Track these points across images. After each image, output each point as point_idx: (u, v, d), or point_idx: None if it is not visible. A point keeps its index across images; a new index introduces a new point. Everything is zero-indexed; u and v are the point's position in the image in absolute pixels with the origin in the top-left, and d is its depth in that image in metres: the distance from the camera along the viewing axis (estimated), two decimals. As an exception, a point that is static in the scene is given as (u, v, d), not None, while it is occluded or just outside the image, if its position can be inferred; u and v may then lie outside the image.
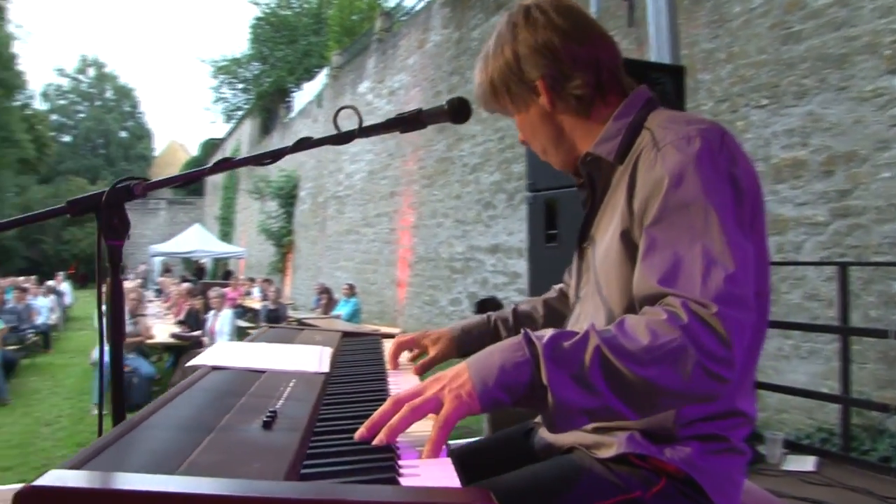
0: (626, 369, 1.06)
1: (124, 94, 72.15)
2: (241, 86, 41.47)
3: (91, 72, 70.49)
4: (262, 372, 1.46)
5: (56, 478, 0.75)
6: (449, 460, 0.98)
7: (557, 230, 4.17)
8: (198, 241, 28.74)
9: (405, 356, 1.83)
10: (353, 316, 14.45)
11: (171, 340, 10.19)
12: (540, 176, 4.30)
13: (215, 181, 45.59)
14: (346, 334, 2.29)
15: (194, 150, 58.31)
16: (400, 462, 0.97)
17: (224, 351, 1.70)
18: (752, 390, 1.41)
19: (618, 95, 1.48)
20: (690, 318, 1.08)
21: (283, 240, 27.43)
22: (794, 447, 4.54)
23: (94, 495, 0.71)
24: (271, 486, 0.75)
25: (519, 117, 1.55)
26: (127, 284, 14.62)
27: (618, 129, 1.41)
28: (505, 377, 1.09)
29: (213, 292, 10.76)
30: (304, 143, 1.47)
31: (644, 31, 5.53)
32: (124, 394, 1.32)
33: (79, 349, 13.77)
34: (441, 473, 0.90)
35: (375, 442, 1.05)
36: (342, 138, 1.51)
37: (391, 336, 2.17)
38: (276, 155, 1.42)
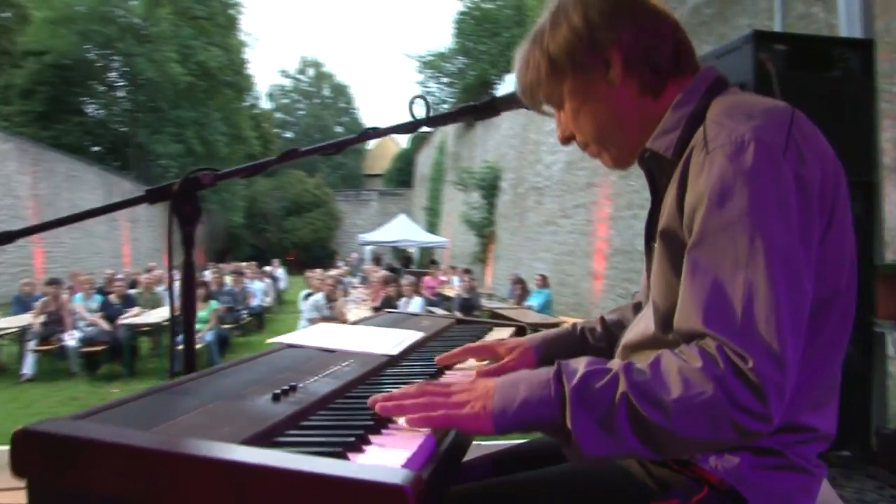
0: (653, 419, 1.02)
1: (340, 91, 76.38)
2: (445, 80, 42.51)
3: (310, 72, 75.25)
4: (330, 351, 1.55)
5: (45, 424, 0.87)
6: (421, 448, 0.99)
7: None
8: (404, 230, 29.96)
9: (472, 363, 1.68)
10: (545, 307, 14.50)
11: (362, 324, 10.71)
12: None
13: (423, 173, 47.10)
14: (460, 321, 2.35)
15: (404, 143, 60.62)
16: (368, 441, 1.01)
17: (316, 331, 1.81)
18: (828, 402, 1.26)
19: (692, 76, 1.31)
20: (727, 369, 1.01)
21: (484, 230, 27.89)
22: None
23: (55, 438, 0.83)
24: (201, 445, 0.82)
25: (574, 102, 1.36)
26: (331, 272, 15.56)
27: (677, 121, 1.26)
28: (526, 412, 1.08)
29: (406, 280, 11.20)
30: (370, 134, 1.54)
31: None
32: (194, 360, 1.45)
33: (289, 330, 14.68)
34: (392, 459, 0.92)
35: (379, 410, 1.09)
36: (410, 127, 1.56)
37: (505, 325, 2.19)
38: (339, 146, 1.50)
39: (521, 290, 15.49)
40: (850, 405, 4.07)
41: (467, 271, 18.99)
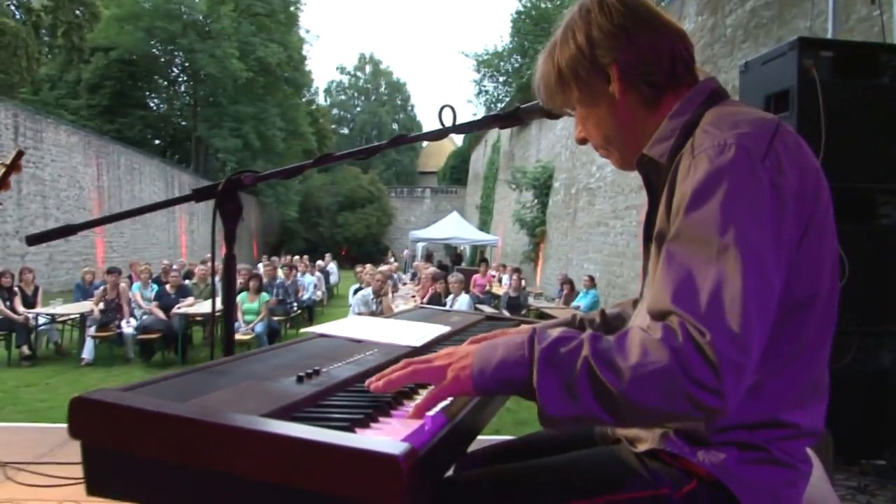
0: (610, 383, 1.08)
1: (397, 88, 77.00)
2: (502, 78, 42.49)
3: (368, 69, 76.06)
4: (357, 341, 1.67)
5: (97, 393, 1.00)
6: (424, 429, 1.10)
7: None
8: (455, 228, 30.11)
9: None
10: (593, 307, 14.50)
11: (411, 320, 10.85)
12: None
13: (476, 171, 47.20)
14: (488, 318, 2.45)
15: (459, 141, 60.78)
16: (376, 420, 1.12)
17: (348, 322, 1.94)
18: (813, 401, 1.34)
19: (690, 88, 1.40)
20: (685, 341, 1.07)
21: (535, 229, 27.88)
22: None
23: (106, 405, 0.96)
24: (226, 415, 0.95)
25: (582, 110, 1.48)
26: (382, 268, 15.76)
27: (672, 129, 1.36)
28: (501, 372, 1.17)
29: (453, 277, 11.30)
30: (399, 140, 1.65)
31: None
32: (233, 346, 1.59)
33: (339, 323, 15.02)
34: (394, 435, 1.03)
35: (372, 388, 1.20)
36: (439, 135, 1.66)
37: (535, 321, 2.29)
38: (369, 151, 1.62)
39: (568, 291, 15.51)
40: (888, 414, 4.08)
41: (517, 270, 19.03)
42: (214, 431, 0.93)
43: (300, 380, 1.25)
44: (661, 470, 1.32)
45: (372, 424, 1.09)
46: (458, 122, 1.67)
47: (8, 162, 2.09)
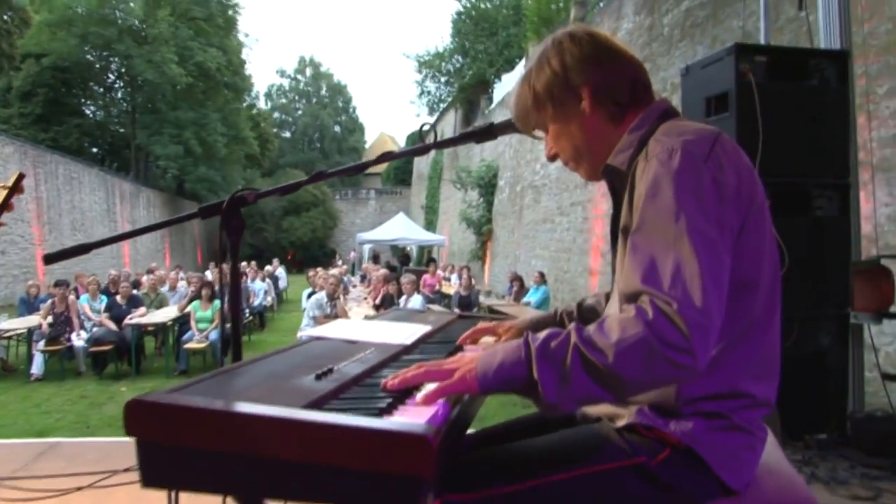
0: (599, 361, 1.27)
1: (338, 90, 76.70)
2: (443, 79, 42.73)
3: (308, 71, 75.62)
4: (352, 342, 1.82)
5: (150, 395, 1.14)
6: (438, 414, 1.25)
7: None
8: (402, 229, 30.20)
9: (488, 339, 2.02)
10: (543, 303, 14.75)
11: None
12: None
13: (421, 171, 47.33)
14: (461, 316, 2.62)
15: (402, 142, 60.84)
16: (396, 408, 1.28)
17: (336, 326, 2.08)
18: (767, 375, 1.54)
19: (647, 107, 1.64)
20: (655, 314, 1.26)
21: (482, 228, 28.17)
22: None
23: (161, 406, 1.09)
24: (272, 409, 1.10)
25: (555, 127, 1.69)
26: (333, 271, 15.79)
27: (631, 142, 1.59)
28: (502, 373, 1.34)
29: (405, 278, 11.46)
30: (387, 156, 1.80)
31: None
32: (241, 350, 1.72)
33: (290, 328, 15.05)
34: (417, 419, 1.18)
35: (388, 386, 1.37)
36: (421, 151, 1.82)
37: (502, 316, 2.46)
38: (359, 168, 1.77)
39: (518, 287, 15.75)
40: (828, 392, 4.35)
41: (465, 269, 19.22)
42: (264, 423, 1.08)
43: (318, 377, 1.40)
44: (637, 441, 1.51)
45: (393, 412, 1.24)
46: (437, 140, 1.83)
47: (10, 184, 2.18)
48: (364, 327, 2.10)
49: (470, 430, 1.82)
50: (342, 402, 1.29)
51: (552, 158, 1.77)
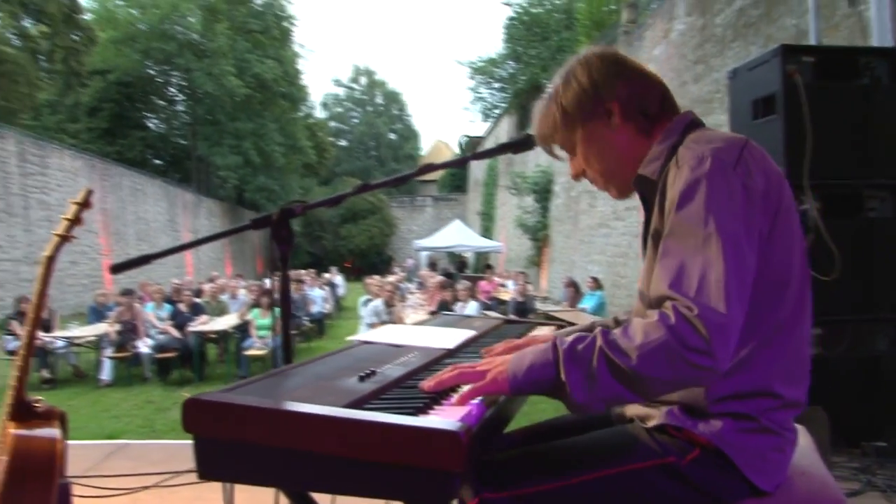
0: (623, 363, 1.33)
1: (393, 98, 77.24)
2: (497, 85, 42.74)
3: (363, 80, 76.32)
4: (397, 346, 1.91)
5: (206, 395, 1.24)
6: (471, 414, 1.33)
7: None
8: (458, 236, 30.33)
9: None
10: (599, 309, 14.69)
11: (421, 328, 11.07)
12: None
13: (476, 178, 47.43)
14: (508, 321, 2.69)
15: (457, 149, 60.98)
16: (432, 408, 1.36)
17: (383, 331, 2.18)
18: (796, 376, 1.58)
19: (674, 118, 1.70)
20: (677, 318, 1.32)
21: (538, 234, 28.09)
22: None
23: (217, 404, 1.20)
24: (315, 407, 1.19)
25: (584, 144, 1.73)
26: (389, 278, 15.97)
27: (661, 152, 1.64)
28: (532, 374, 1.42)
29: (461, 285, 11.57)
30: (427, 168, 1.88)
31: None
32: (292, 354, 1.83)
33: (348, 335, 15.17)
34: (451, 417, 1.26)
35: (425, 387, 1.45)
36: (458, 163, 1.91)
37: (549, 324, 2.52)
38: (402, 179, 1.85)
39: (574, 293, 15.71)
40: (882, 398, 4.29)
41: (522, 275, 19.22)
42: (308, 420, 1.17)
43: (362, 379, 1.49)
44: (668, 442, 1.56)
45: (429, 412, 1.32)
46: (476, 151, 1.91)
47: (79, 200, 2.33)
48: (410, 332, 2.18)
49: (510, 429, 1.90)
50: (382, 402, 1.37)
51: (577, 177, 1.84)
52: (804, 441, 1.88)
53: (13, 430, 2.11)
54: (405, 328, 2.32)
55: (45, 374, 10.85)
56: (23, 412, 2.16)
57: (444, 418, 1.23)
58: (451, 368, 1.50)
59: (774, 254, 1.51)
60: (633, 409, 1.71)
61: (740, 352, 1.49)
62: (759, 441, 1.52)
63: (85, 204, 2.34)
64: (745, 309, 1.39)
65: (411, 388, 1.49)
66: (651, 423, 1.61)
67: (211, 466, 1.25)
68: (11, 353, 10.87)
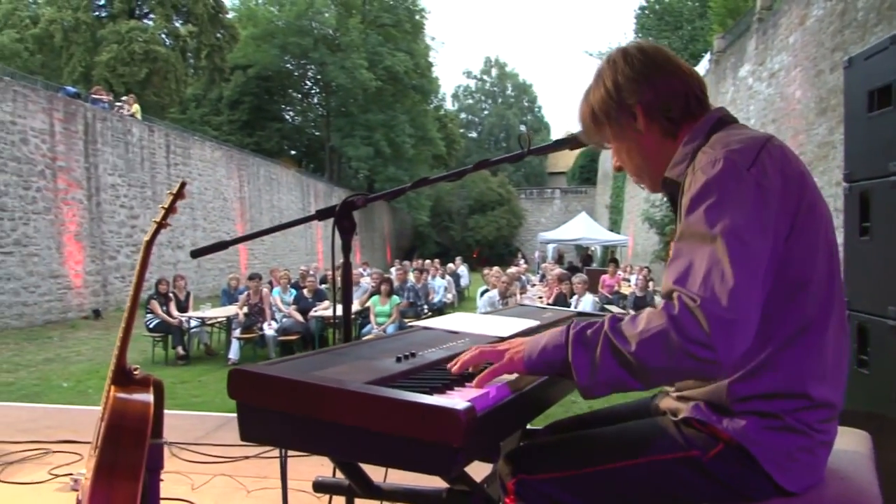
0: (624, 349, 1.37)
1: (523, 90, 77.28)
2: (628, 76, 41.90)
3: (494, 72, 76.73)
4: (453, 332, 2.01)
5: (247, 366, 1.39)
6: (489, 395, 1.41)
7: (870, 223, 4.06)
8: (584, 229, 30.07)
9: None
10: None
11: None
12: (857, 166, 4.22)
13: (606, 170, 46.75)
14: (579, 314, 2.74)
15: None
16: (452, 389, 1.46)
17: (451, 318, 2.28)
18: (827, 377, 1.55)
19: (701, 118, 1.69)
20: (680, 308, 1.34)
21: (665, 228, 27.48)
22: None
23: (254, 375, 1.34)
24: (337, 381, 1.31)
25: (616, 144, 1.77)
26: (511, 270, 16.04)
27: (685, 154, 1.64)
28: (545, 355, 1.49)
29: (577, 278, 11.47)
30: (483, 164, 1.97)
31: None
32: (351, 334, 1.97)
33: (466, 324, 15.42)
34: (462, 397, 1.35)
35: (452, 369, 1.55)
36: (515, 158, 1.98)
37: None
38: (459, 174, 1.94)
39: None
40: None
41: (645, 269, 18.91)
42: (329, 392, 1.30)
43: (399, 360, 1.60)
44: (693, 435, 1.59)
45: (447, 391, 1.42)
46: (532, 147, 1.98)
47: (175, 191, 2.56)
48: (475, 320, 2.28)
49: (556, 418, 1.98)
50: (408, 381, 1.48)
51: (618, 170, 1.88)
52: (858, 446, 1.86)
53: (114, 393, 2.37)
54: (473, 316, 2.41)
55: (180, 350, 11.60)
56: (123, 377, 2.42)
57: (455, 398, 1.32)
58: (475, 348, 1.58)
59: (797, 253, 1.50)
60: (665, 403, 1.75)
61: (762, 352, 1.50)
62: (784, 440, 1.52)
63: (178, 195, 2.56)
64: (757, 308, 1.39)
65: (444, 370, 1.59)
66: (679, 417, 1.65)
67: (250, 430, 1.39)
68: (153, 330, 11.72)
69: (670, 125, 1.69)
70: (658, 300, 15.98)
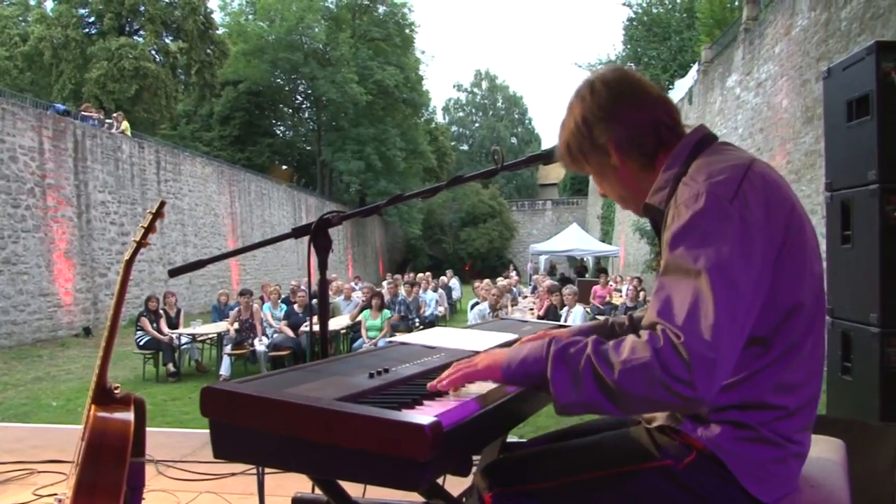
0: (606, 375, 1.37)
1: (514, 102, 77.50)
2: (616, 87, 42.04)
3: (484, 84, 76.98)
4: (429, 347, 2.02)
5: (219, 384, 1.40)
6: (456, 410, 1.43)
7: (851, 231, 4.09)
8: (576, 240, 30.11)
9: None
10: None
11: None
12: (838, 175, 4.26)
13: (596, 181, 46.76)
14: (560, 326, 2.76)
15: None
16: (421, 404, 1.47)
17: (430, 332, 2.30)
18: (801, 387, 1.56)
19: (678, 143, 1.68)
20: (665, 343, 1.34)
21: (655, 238, 27.51)
22: None
23: (225, 392, 1.35)
24: (306, 398, 1.32)
25: (596, 177, 1.79)
26: (501, 282, 16.03)
27: (666, 181, 1.64)
28: (524, 366, 1.50)
29: (567, 290, 11.53)
30: (456, 180, 1.99)
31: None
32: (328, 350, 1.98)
33: (458, 337, 15.41)
34: (430, 413, 1.36)
35: (430, 387, 1.56)
36: (488, 174, 2.00)
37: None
38: (433, 191, 1.96)
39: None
40: None
41: (635, 279, 18.95)
42: (297, 409, 1.31)
43: (371, 376, 1.62)
44: (666, 444, 1.60)
45: (416, 406, 1.43)
46: (504, 163, 1.99)
47: (154, 210, 2.58)
48: (454, 335, 2.29)
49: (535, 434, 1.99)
50: (379, 397, 1.49)
51: (604, 196, 1.90)
52: (831, 454, 1.87)
53: (94, 411, 2.38)
54: (451, 331, 2.42)
55: (171, 367, 11.56)
56: (104, 396, 2.42)
57: (423, 414, 1.33)
58: (454, 367, 1.60)
59: (784, 278, 1.50)
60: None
61: (747, 370, 1.52)
62: (758, 451, 1.53)
63: (158, 214, 2.58)
64: (739, 343, 1.41)
65: (416, 385, 1.60)
66: (654, 424, 1.66)
67: (223, 448, 1.40)
68: (143, 348, 11.68)
69: (645, 159, 1.69)
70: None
